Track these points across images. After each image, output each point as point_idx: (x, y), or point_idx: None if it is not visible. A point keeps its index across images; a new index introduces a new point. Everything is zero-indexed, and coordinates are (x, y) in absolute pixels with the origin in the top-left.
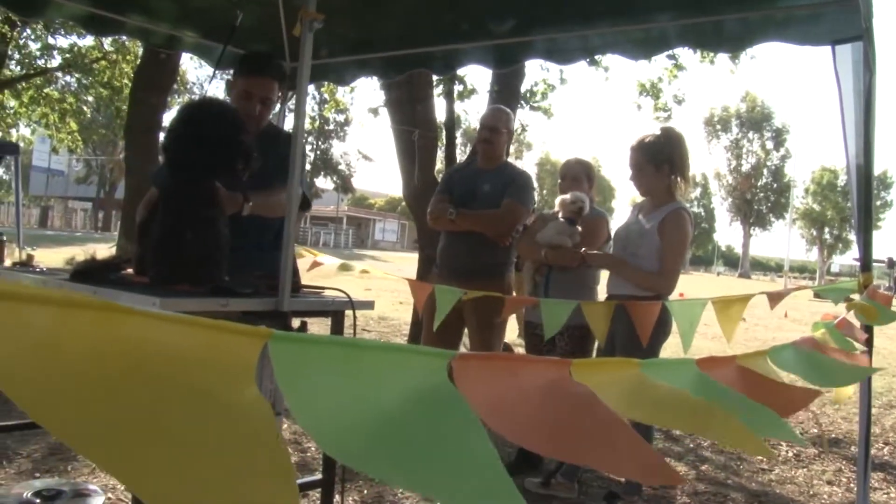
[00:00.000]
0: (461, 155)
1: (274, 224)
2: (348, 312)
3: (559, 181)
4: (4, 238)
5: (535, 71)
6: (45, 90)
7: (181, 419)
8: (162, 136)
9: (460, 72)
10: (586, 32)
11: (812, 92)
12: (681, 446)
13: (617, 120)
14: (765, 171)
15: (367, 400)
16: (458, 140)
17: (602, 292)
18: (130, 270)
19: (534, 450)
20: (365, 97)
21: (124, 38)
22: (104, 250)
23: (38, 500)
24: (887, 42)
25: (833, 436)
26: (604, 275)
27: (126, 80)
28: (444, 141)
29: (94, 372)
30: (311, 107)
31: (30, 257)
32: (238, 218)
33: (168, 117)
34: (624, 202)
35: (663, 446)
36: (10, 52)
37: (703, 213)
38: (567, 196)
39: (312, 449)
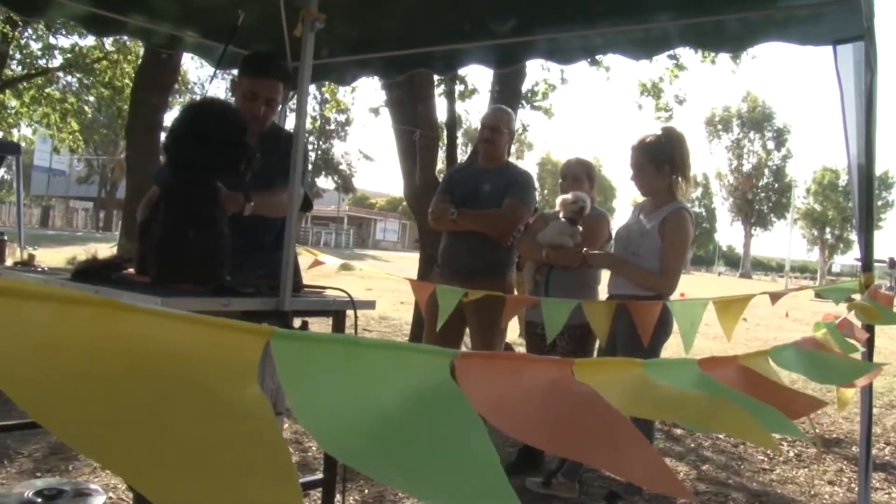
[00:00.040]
0: (462, 155)
1: (275, 224)
2: (349, 312)
3: (560, 181)
4: (6, 237)
5: (536, 71)
6: (47, 90)
7: (183, 417)
8: (163, 135)
9: (461, 72)
10: (587, 32)
11: (813, 92)
12: (682, 446)
13: (618, 120)
14: (766, 171)
15: (369, 398)
16: (460, 140)
17: (603, 292)
18: (132, 270)
19: (537, 446)
20: (366, 97)
21: (125, 38)
22: (105, 250)
23: (39, 500)
24: (889, 42)
25: (834, 436)
26: (605, 275)
27: (127, 80)
28: (446, 141)
29: (96, 370)
30: (312, 106)
31: (31, 257)
32: (239, 218)
33: (169, 117)
34: (625, 202)
35: (664, 446)
36: (11, 52)
37: (704, 213)
38: (568, 196)
39: (313, 448)
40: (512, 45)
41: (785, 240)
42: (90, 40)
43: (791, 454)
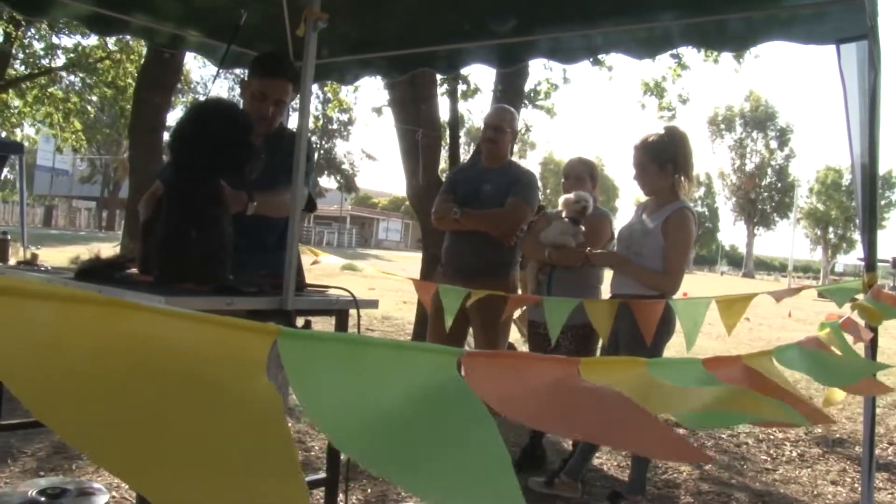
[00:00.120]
0: (465, 154)
1: (278, 224)
2: (352, 311)
3: (563, 180)
4: (9, 237)
5: (539, 70)
6: (50, 90)
7: (189, 417)
8: (166, 135)
9: (464, 71)
10: (590, 32)
11: (816, 91)
12: None
13: (621, 119)
14: (769, 171)
15: (377, 396)
16: (462, 139)
17: (605, 292)
18: (135, 270)
19: (552, 432)
20: (368, 96)
21: (128, 37)
22: (108, 249)
23: (42, 499)
24: (893, 41)
25: (837, 436)
26: (607, 274)
27: (130, 80)
28: (448, 140)
29: (100, 369)
30: (314, 106)
31: (34, 256)
32: (242, 218)
33: (172, 117)
34: (628, 202)
35: None
36: (14, 52)
37: (706, 213)
38: (570, 195)
39: (316, 448)
40: (514, 45)
41: (788, 239)
42: (93, 40)
43: (794, 454)
